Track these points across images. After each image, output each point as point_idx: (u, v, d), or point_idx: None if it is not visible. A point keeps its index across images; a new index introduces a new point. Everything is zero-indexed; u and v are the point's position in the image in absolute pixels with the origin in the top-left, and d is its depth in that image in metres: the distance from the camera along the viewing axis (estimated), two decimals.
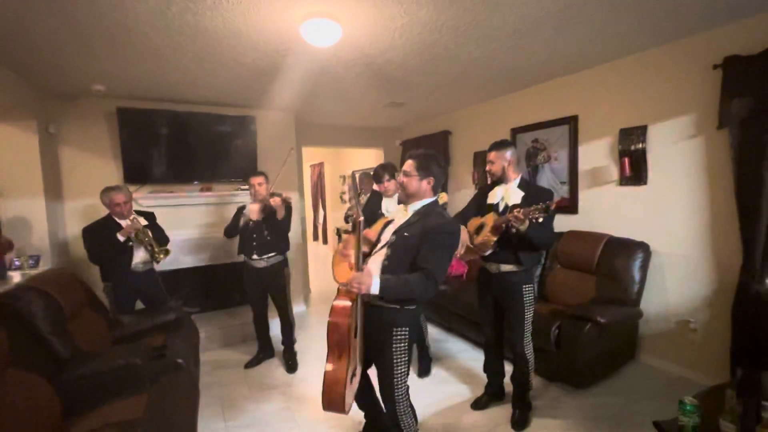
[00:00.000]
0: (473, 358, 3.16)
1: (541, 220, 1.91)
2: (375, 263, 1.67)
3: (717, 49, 2.40)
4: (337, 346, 1.53)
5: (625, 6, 2.10)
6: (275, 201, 2.82)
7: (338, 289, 1.57)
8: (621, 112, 2.99)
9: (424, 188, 1.69)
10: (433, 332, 3.64)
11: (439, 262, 1.57)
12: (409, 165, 1.70)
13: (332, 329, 1.51)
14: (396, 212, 1.76)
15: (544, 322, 2.61)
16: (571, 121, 3.36)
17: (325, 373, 1.54)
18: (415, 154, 1.73)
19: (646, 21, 2.31)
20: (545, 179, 3.64)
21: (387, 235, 1.72)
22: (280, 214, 2.87)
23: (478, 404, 2.48)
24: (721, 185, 2.47)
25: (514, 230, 2.02)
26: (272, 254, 2.99)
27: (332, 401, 1.54)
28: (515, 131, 3.90)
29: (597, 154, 3.19)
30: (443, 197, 2.69)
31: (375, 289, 1.48)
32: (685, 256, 2.69)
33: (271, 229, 2.93)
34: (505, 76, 3.32)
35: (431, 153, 1.75)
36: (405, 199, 1.74)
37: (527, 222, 1.93)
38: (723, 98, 2.35)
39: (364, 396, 1.95)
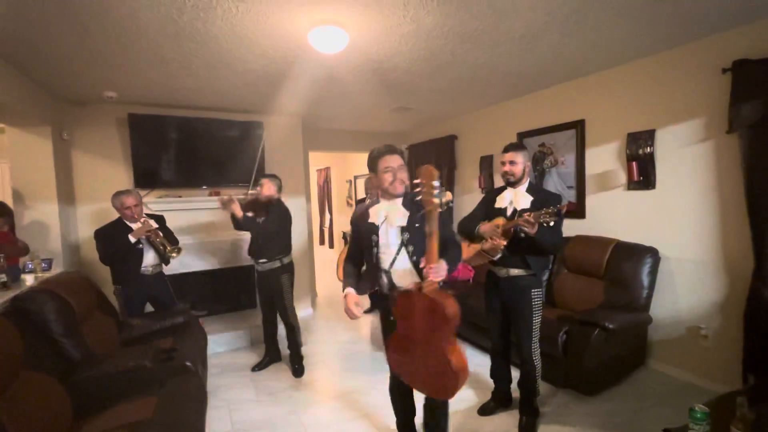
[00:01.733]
0: (479, 363, 3.13)
1: (552, 224, 1.91)
2: (403, 264, 1.73)
3: (726, 53, 2.39)
4: (454, 334, 1.54)
5: (632, 10, 2.10)
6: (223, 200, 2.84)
7: (422, 287, 1.54)
8: (628, 116, 2.97)
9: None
10: None
11: (452, 230, 1.85)
12: (400, 159, 1.76)
13: (456, 318, 1.50)
14: (389, 210, 1.77)
15: (551, 328, 2.59)
16: (578, 126, 3.35)
17: (455, 362, 1.49)
18: (395, 149, 1.77)
19: (653, 25, 2.31)
20: (552, 184, 3.63)
21: (393, 237, 1.74)
22: (236, 212, 2.80)
23: (485, 410, 2.46)
24: (731, 189, 2.44)
25: (523, 234, 2.02)
26: (264, 260, 3.01)
27: (461, 385, 1.53)
28: (522, 135, 3.89)
29: (604, 158, 3.18)
30: (448, 195, 2.67)
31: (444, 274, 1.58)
32: (695, 261, 2.66)
33: (260, 234, 2.95)
34: (511, 80, 3.33)
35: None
36: (402, 192, 1.76)
37: (537, 226, 1.93)
38: (732, 102, 2.33)
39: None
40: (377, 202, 1.84)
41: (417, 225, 1.70)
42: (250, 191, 2.99)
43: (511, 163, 2.18)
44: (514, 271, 2.17)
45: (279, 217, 2.98)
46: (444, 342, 1.51)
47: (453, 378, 1.50)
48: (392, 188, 1.74)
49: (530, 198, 2.14)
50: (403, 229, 1.73)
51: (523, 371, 2.27)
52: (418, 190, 1.52)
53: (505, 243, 2.08)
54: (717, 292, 2.56)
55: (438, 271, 1.52)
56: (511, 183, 2.23)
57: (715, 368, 2.55)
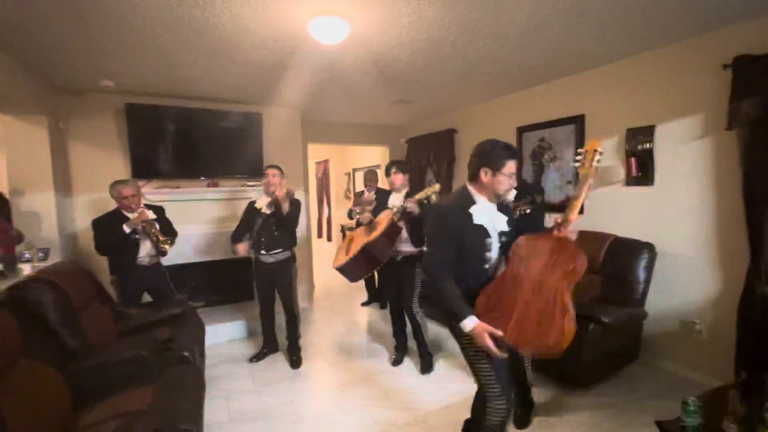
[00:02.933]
0: None
1: (528, 211, 1.98)
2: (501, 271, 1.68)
3: (726, 49, 2.38)
4: (571, 289, 1.48)
5: (633, 5, 2.09)
6: (280, 193, 2.85)
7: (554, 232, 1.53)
8: (628, 112, 2.97)
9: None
10: (436, 329, 3.64)
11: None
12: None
13: (584, 267, 1.45)
14: (491, 214, 1.66)
15: None
16: (578, 121, 3.34)
17: (570, 314, 1.40)
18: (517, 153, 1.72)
19: (654, 20, 2.30)
20: (551, 178, 3.63)
21: (495, 242, 1.65)
22: (285, 207, 2.87)
23: None
24: (729, 186, 2.45)
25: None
26: (279, 250, 3.02)
27: (567, 343, 1.42)
28: (521, 130, 3.88)
29: (604, 153, 3.17)
30: (436, 187, 2.69)
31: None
32: (691, 257, 2.67)
33: (278, 224, 2.96)
34: (512, 74, 3.31)
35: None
36: (502, 197, 1.69)
37: (517, 213, 1.99)
38: (732, 98, 2.33)
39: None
40: (473, 201, 1.64)
41: (509, 230, 1.68)
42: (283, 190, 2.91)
43: None
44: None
45: (297, 206, 3.01)
46: (565, 291, 1.42)
47: (561, 332, 1.37)
48: (506, 194, 1.67)
49: (514, 192, 2.21)
50: (501, 234, 1.66)
51: (513, 363, 2.31)
52: (579, 158, 1.57)
53: None
54: (712, 288, 2.58)
55: (573, 228, 1.52)
56: None
57: (709, 362, 2.58)
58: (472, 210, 1.60)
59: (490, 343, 1.43)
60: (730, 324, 2.44)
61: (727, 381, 2.28)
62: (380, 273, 3.16)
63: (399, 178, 2.79)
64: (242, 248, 3.05)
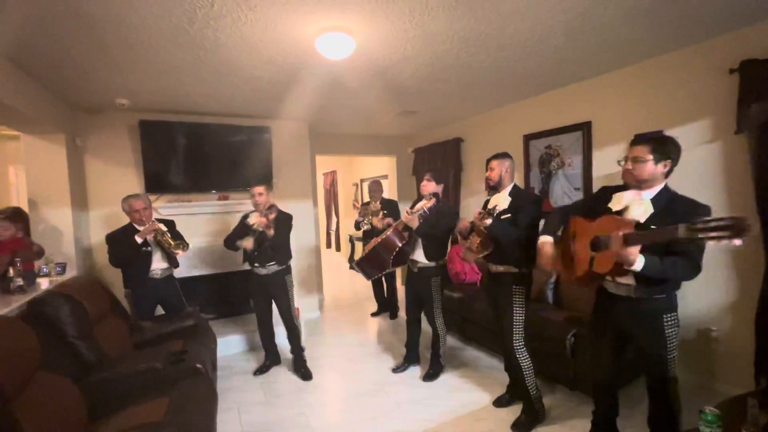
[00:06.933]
0: (488, 366, 3.13)
1: (488, 222, 2.15)
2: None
3: (733, 53, 2.38)
4: None
5: (637, 12, 2.11)
6: (261, 222, 2.93)
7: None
8: (636, 118, 2.96)
9: (659, 172, 1.62)
10: (450, 342, 3.61)
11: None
12: (641, 150, 1.62)
13: None
14: (629, 201, 1.66)
15: (559, 330, 2.59)
16: (585, 127, 3.34)
17: None
18: (649, 138, 1.71)
19: (660, 26, 2.31)
20: (559, 186, 3.62)
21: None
22: (270, 233, 2.93)
23: (500, 402, 2.54)
24: (740, 190, 2.42)
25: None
26: (272, 263, 3.04)
27: None
28: (528, 138, 3.89)
29: (611, 159, 3.16)
30: (431, 202, 2.76)
31: (639, 265, 1.51)
32: (705, 262, 2.60)
33: (270, 241, 2.99)
34: (516, 83, 3.34)
35: (666, 135, 1.72)
36: (637, 185, 1.65)
37: (489, 220, 2.17)
38: (740, 102, 2.32)
39: None
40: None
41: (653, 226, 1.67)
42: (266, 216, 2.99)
43: (490, 169, 2.39)
44: (500, 268, 2.30)
45: (286, 222, 3.07)
46: None
47: None
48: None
49: (509, 200, 2.30)
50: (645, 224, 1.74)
51: (511, 366, 2.36)
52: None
53: (479, 240, 2.26)
54: (728, 294, 2.53)
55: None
56: (493, 187, 2.40)
57: (727, 370, 2.53)
58: None
59: None
60: (748, 330, 2.39)
61: (745, 389, 2.22)
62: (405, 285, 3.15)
63: (428, 187, 2.83)
64: (246, 242, 3.00)
